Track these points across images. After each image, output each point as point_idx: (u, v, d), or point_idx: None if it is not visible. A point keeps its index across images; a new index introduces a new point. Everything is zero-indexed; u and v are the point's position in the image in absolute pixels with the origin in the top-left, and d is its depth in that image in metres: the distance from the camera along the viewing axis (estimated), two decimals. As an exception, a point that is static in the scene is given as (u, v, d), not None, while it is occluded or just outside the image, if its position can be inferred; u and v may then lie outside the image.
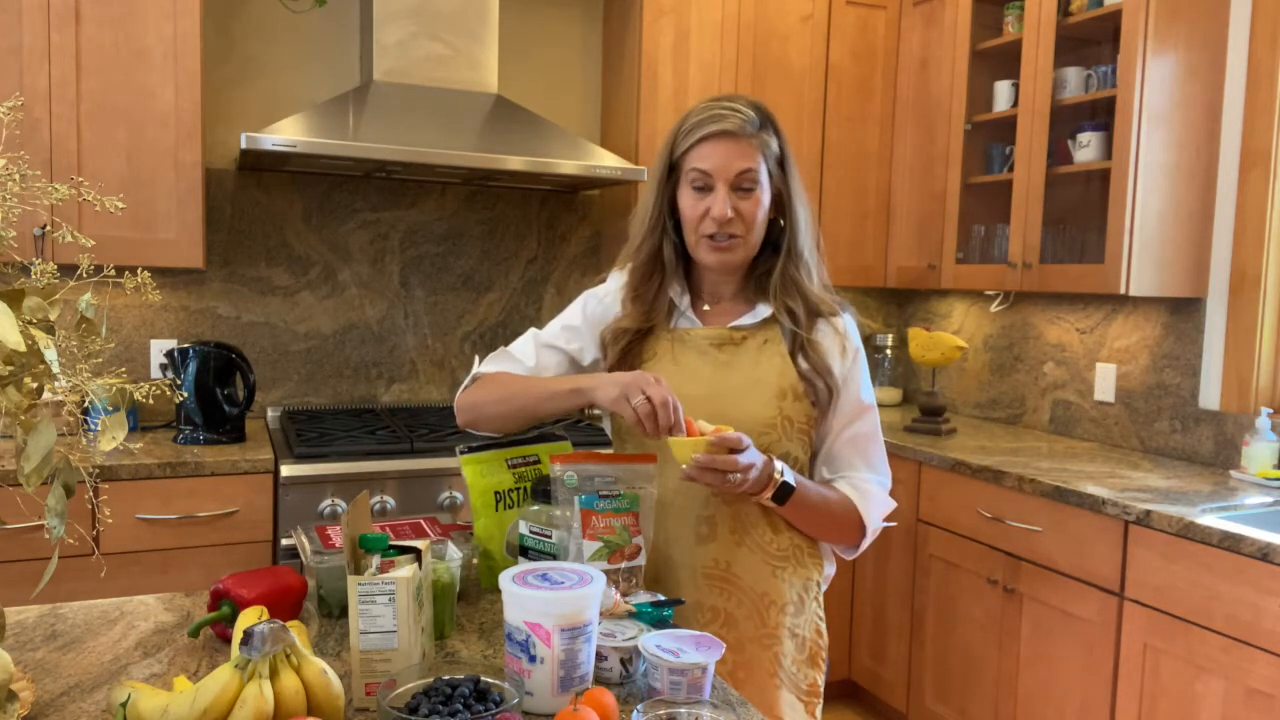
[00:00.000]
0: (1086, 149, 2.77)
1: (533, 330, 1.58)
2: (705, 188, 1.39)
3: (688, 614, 1.40)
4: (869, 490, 1.46)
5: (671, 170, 1.44)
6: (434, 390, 3.23)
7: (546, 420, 1.48)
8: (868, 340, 3.70)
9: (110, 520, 2.28)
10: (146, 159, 2.52)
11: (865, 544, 1.47)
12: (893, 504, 1.48)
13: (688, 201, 1.42)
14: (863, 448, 1.48)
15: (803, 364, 1.42)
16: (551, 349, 1.54)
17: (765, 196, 1.41)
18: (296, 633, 1.06)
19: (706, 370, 1.44)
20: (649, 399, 1.25)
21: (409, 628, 1.05)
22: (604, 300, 1.54)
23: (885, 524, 1.47)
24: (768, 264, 1.47)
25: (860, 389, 1.47)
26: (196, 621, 1.22)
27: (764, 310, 1.45)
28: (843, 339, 1.46)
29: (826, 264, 1.51)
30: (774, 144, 1.41)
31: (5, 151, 1.03)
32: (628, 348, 1.48)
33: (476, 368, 1.55)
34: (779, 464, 1.34)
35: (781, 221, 1.45)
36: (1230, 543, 1.98)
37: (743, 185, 1.39)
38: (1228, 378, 2.61)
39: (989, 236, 3.13)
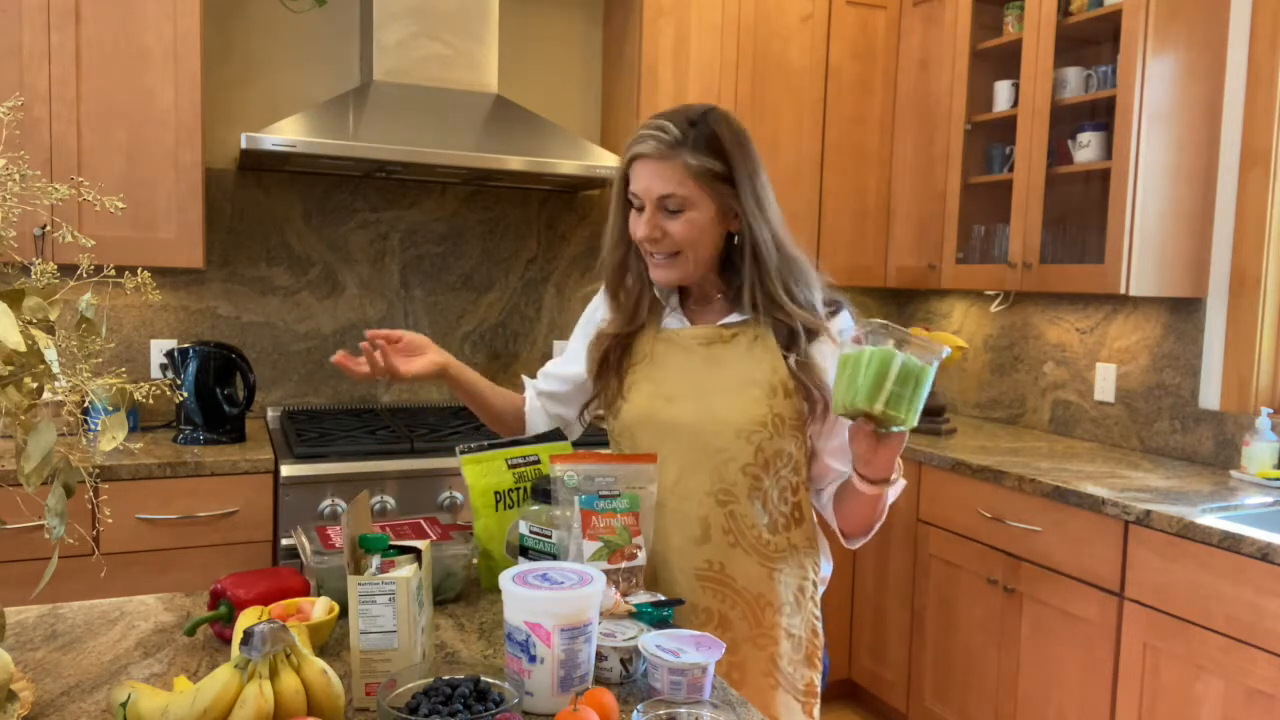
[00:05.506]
0: (1086, 149, 2.77)
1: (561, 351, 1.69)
2: (640, 208, 1.40)
3: (682, 615, 1.40)
4: None
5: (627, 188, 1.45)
6: (434, 390, 3.23)
7: (480, 410, 1.63)
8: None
9: (110, 520, 2.28)
10: (146, 159, 2.52)
11: (873, 532, 1.45)
12: (902, 482, 1.44)
13: (631, 220, 1.43)
14: None
15: (793, 361, 1.40)
16: (559, 378, 1.64)
17: (700, 214, 1.37)
18: (296, 633, 1.06)
19: (694, 369, 1.43)
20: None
21: (409, 628, 1.05)
22: (595, 314, 1.59)
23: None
24: (741, 276, 1.43)
25: None
26: (193, 620, 1.22)
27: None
28: (836, 343, 1.43)
29: (823, 261, 1.49)
30: (708, 161, 1.35)
31: (5, 151, 1.03)
32: (607, 352, 1.50)
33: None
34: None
35: (735, 238, 1.41)
36: (1230, 543, 1.98)
37: (668, 206, 1.37)
38: (1228, 378, 2.61)
39: (989, 236, 3.13)
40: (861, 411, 1.18)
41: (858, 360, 1.17)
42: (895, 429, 1.19)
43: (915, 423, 1.18)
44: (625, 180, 1.43)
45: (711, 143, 1.36)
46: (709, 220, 1.38)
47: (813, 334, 1.42)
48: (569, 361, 1.62)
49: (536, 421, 1.64)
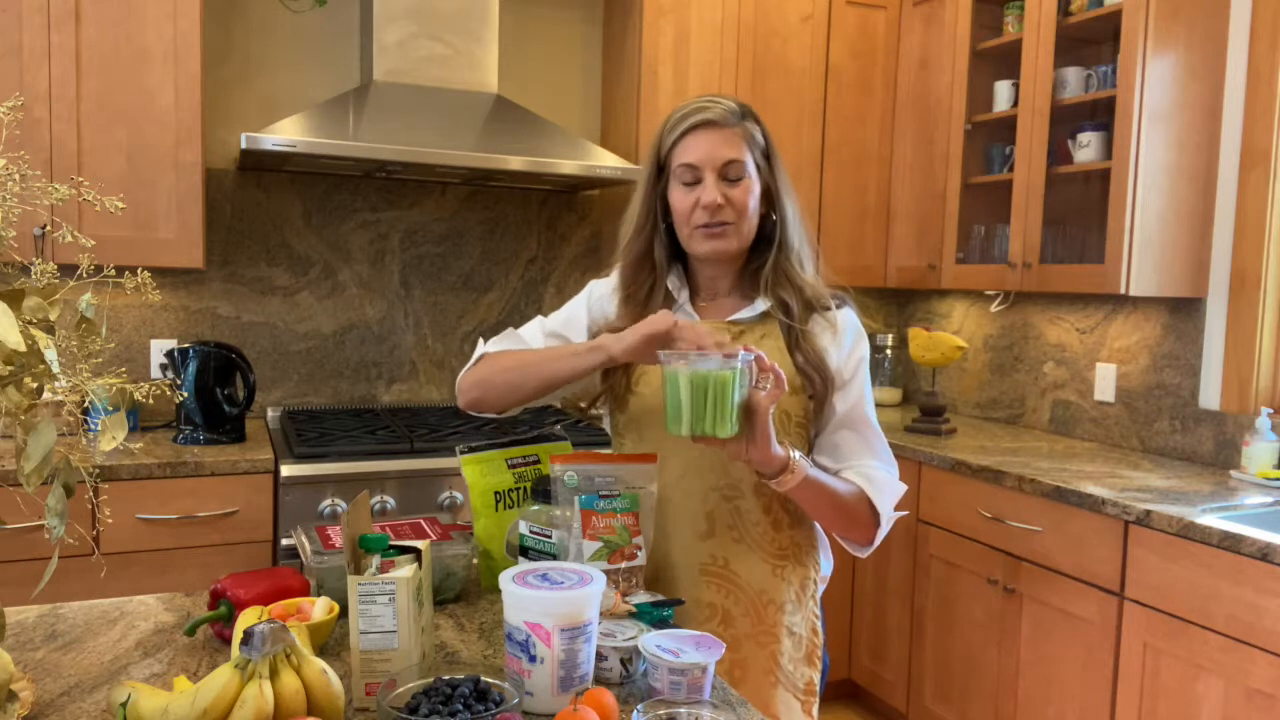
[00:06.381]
0: (1086, 149, 2.77)
1: (539, 317, 1.59)
2: (694, 181, 1.40)
3: (685, 611, 1.40)
4: (876, 476, 1.41)
5: (660, 170, 1.45)
6: (434, 390, 3.23)
7: (562, 385, 1.42)
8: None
9: (110, 520, 2.28)
10: (146, 159, 2.52)
11: (880, 536, 1.42)
12: (903, 487, 1.44)
13: (678, 196, 1.42)
14: (866, 435, 1.45)
15: (799, 357, 1.41)
16: (557, 337, 1.54)
17: (755, 186, 1.41)
18: (296, 633, 1.06)
19: None
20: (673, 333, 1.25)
21: (409, 628, 1.05)
22: (605, 297, 1.55)
23: (897, 514, 1.43)
24: (762, 258, 1.46)
25: (857, 377, 1.45)
26: (193, 620, 1.22)
27: (762, 304, 1.45)
28: (836, 330, 1.45)
29: (823, 260, 1.51)
30: (758, 135, 1.42)
31: (5, 151, 1.03)
32: None
33: (482, 348, 1.53)
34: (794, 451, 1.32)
35: (773, 215, 1.45)
36: (1230, 543, 1.98)
37: (730, 175, 1.39)
38: (1228, 378, 2.61)
39: (989, 236, 3.13)
40: (682, 436, 1.20)
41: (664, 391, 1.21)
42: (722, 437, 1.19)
43: (733, 429, 1.18)
44: (658, 164, 1.44)
45: (759, 121, 1.44)
46: (757, 195, 1.43)
47: (811, 309, 1.44)
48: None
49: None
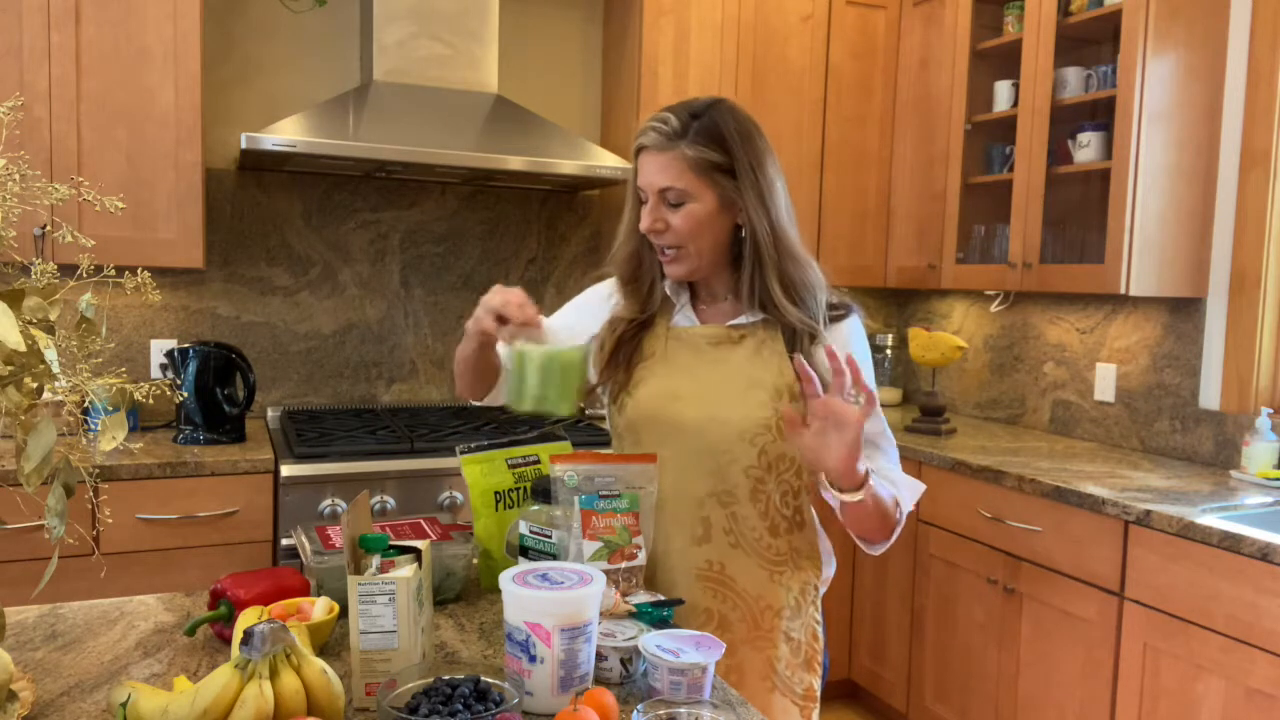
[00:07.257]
0: (1086, 149, 2.77)
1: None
2: (645, 201, 1.41)
3: (680, 617, 1.40)
4: (898, 478, 1.41)
5: None
6: (434, 390, 3.23)
7: (471, 369, 1.49)
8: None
9: (110, 520, 2.28)
10: (146, 159, 2.52)
11: (895, 535, 1.40)
12: (922, 486, 1.43)
13: (640, 213, 1.43)
14: (875, 440, 1.44)
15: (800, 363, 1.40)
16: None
17: (701, 206, 1.37)
18: (296, 633, 1.06)
19: (701, 368, 1.43)
20: (492, 309, 1.32)
21: (409, 628, 1.05)
22: (604, 299, 1.55)
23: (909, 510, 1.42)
24: (749, 271, 1.42)
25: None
26: (193, 620, 1.22)
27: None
28: (842, 339, 1.43)
29: (820, 265, 1.47)
30: (708, 152, 1.34)
31: (5, 151, 1.03)
32: (623, 338, 1.47)
33: None
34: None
35: (742, 231, 1.40)
36: (1230, 543, 1.98)
37: (669, 200, 1.37)
38: (1228, 378, 2.61)
39: (989, 236, 3.13)
40: (524, 411, 1.25)
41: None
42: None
43: (573, 408, 1.24)
44: (636, 173, 1.43)
45: (712, 133, 1.35)
46: (710, 213, 1.38)
47: (811, 335, 1.40)
48: (564, 332, 1.54)
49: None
